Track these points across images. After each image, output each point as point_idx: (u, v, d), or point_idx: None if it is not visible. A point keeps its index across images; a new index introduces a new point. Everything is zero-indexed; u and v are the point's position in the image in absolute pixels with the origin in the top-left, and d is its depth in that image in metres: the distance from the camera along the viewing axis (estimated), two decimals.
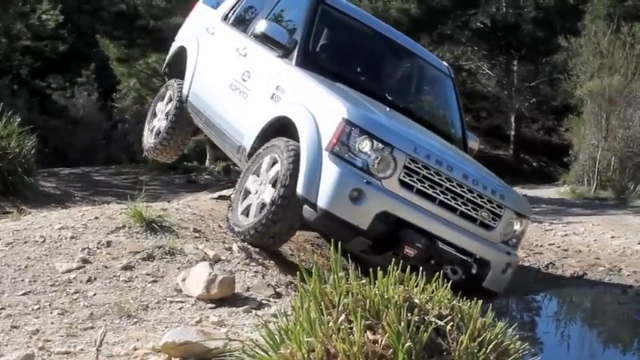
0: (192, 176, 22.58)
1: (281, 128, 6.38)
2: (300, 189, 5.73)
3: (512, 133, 35.97)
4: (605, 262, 11.82)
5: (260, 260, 5.82)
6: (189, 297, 4.84)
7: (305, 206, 5.72)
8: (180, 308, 4.69)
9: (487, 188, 6.24)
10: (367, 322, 3.02)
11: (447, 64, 8.78)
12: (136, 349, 3.94)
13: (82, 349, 3.92)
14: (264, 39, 6.97)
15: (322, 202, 5.62)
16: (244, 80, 7.29)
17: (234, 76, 7.47)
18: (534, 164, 36.31)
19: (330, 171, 5.64)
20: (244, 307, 4.76)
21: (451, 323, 3.10)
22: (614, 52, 21.76)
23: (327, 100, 6.11)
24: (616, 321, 9.96)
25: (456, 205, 6.03)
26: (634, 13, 26.45)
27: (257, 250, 5.97)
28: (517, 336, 3.33)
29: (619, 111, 20.99)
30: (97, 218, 6.01)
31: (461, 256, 6.02)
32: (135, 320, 4.42)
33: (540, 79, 35.54)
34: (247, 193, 6.34)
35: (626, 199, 19.29)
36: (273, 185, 6.04)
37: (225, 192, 11.04)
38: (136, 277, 5.09)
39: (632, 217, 16.76)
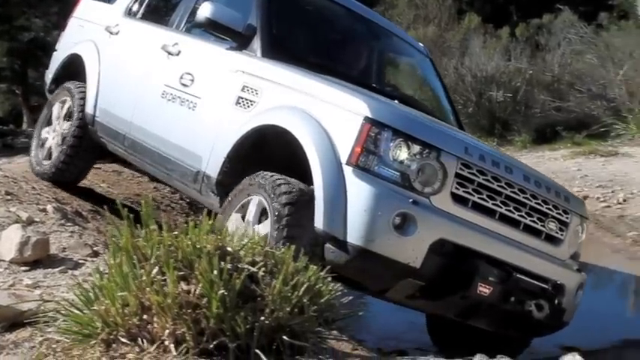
0: (8, 140, 21.75)
1: (262, 142, 4.95)
2: (319, 222, 4.23)
3: None
4: None
5: (77, 220, 5.70)
6: (2, 261, 4.67)
7: (328, 245, 4.24)
8: None
9: (550, 190, 4.93)
10: (180, 273, 3.03)
11: (422, 44, 7.54)
12: None
13: None
14: (212, 27, 5.39)
15: (355, 237, 4.13)
16: (185, 85, 5.70)
17: (167, 82, 5.90)
18: None
19: (359, 192, 4.17)
20: (60, 268, 4.64)
21: (264, 269, 3.15)
22: (428, 3, 22.51)
23: (336, 97, 4.61)
24: None
25: (519, 217, 4.70)
26: None
27: (73, 210, 5.84)
28: (330, 278, 3.41)
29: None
30: None
31: (540, 283, 4.76)
32: None
33: None
34: None
35: None
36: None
37: None
38: None
39: None
